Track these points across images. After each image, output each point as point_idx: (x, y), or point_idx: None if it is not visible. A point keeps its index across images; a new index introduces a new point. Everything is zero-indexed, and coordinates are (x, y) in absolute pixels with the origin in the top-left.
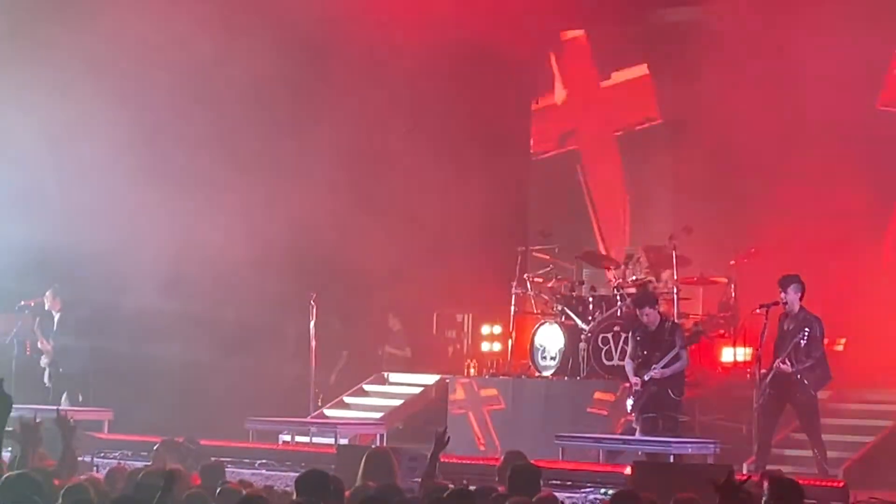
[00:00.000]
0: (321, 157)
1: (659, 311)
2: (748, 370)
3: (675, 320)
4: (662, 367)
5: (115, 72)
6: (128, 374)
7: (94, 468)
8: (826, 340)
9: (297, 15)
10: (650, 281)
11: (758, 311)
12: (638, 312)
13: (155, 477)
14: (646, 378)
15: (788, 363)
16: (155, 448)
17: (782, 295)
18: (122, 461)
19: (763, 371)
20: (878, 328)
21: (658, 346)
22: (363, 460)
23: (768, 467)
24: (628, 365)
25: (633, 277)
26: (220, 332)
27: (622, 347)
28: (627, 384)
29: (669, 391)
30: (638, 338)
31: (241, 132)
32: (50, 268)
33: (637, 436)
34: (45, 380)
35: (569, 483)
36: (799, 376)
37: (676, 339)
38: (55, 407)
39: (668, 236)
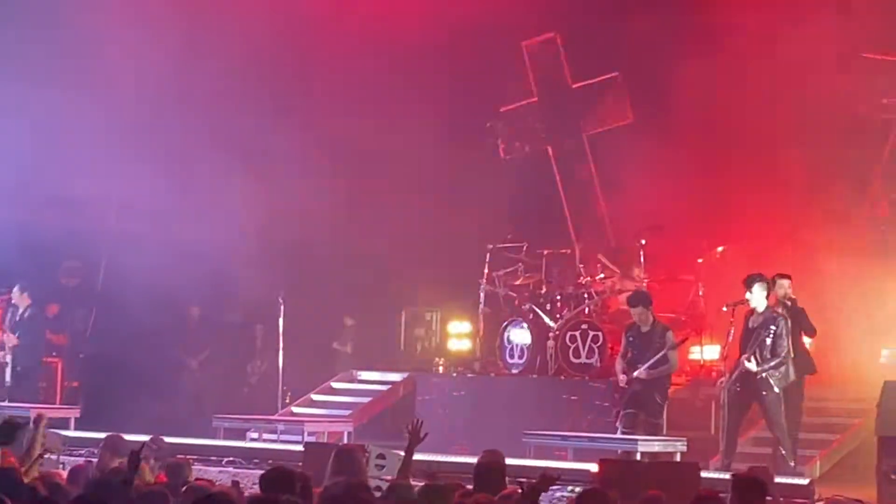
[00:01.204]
0: (292, 156)
1: (652, 312)
2: (715, 368)
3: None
4: (649, 368)
5: (94, 66)
6: (96, 372)
7: (61, 465)
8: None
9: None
10: (611, 277)
11: (724, 309)
12: (631, 311)
13: (118, 474)
14: (634, 375)
15: (754, 361)
16: (101, 445)
17: (748, 293)
18: (88, 459)
19: (729, 369)
20: (845, 326)
21: (648, 347)
22: (331, 458)
23: (734, 466)
24: (618, 363)
25: (601, 276)
26: (189, 329)
27: (589, 345)
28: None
29: (655, 394)
30: (630, 338)
31: (212, 134)
32: (19, 264)
33: (619, 432)
34: (7, 377)
35: (536, 480)
36: (764, 375)
37: (666, 342)
38: (24, 405)
39: (637, 235)
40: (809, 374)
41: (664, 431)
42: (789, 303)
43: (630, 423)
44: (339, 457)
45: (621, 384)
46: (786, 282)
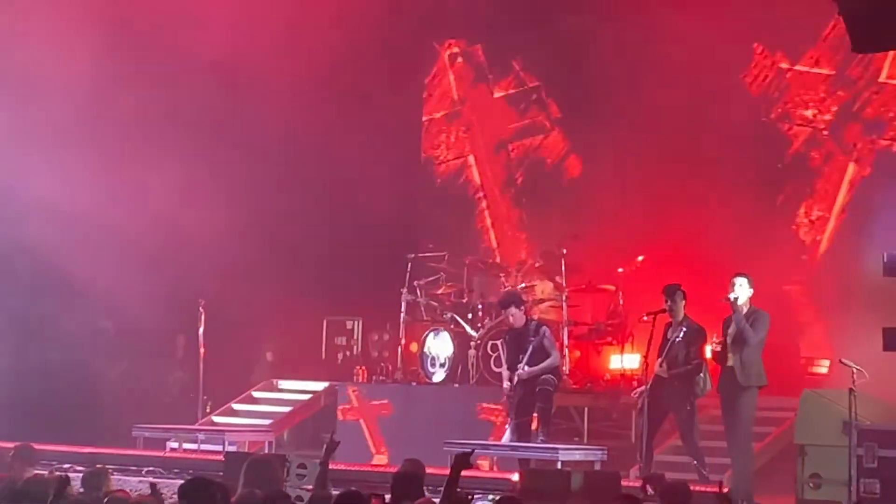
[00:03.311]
0: (214, 164)
1: (525, 312)
2: (636, 377)
3: (540, 320)
4: (527, 365)
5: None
6: (11, 380)
7: None
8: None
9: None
10: (532, 286)
11: (645, 318)
12: (504, 314)
13: (35, 485)
14: (516, 376)
15: (665, 366)
16: (10, 455)
17: (668, 303)
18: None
19: (647, 378)
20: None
21: (522, 346)
22: (243, 469)
23: (653, 472)
24: (503, 370)
25: (522, 285)
26: (107, 336)
27: None
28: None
29: (537, 400)
30: (508, 342)
31: (133, 134)
32: None
33: (512, 440)
34: None
35: (457, 490)
36: (677, 383)
37: (540, 338)
38: None
39: (558, 244)
40: (760, 387)
41: (583, 438)
42: (744, 307)
43: (524, 432)
44: (252, 467)
45: (505, 391)
46: (737, 280)
